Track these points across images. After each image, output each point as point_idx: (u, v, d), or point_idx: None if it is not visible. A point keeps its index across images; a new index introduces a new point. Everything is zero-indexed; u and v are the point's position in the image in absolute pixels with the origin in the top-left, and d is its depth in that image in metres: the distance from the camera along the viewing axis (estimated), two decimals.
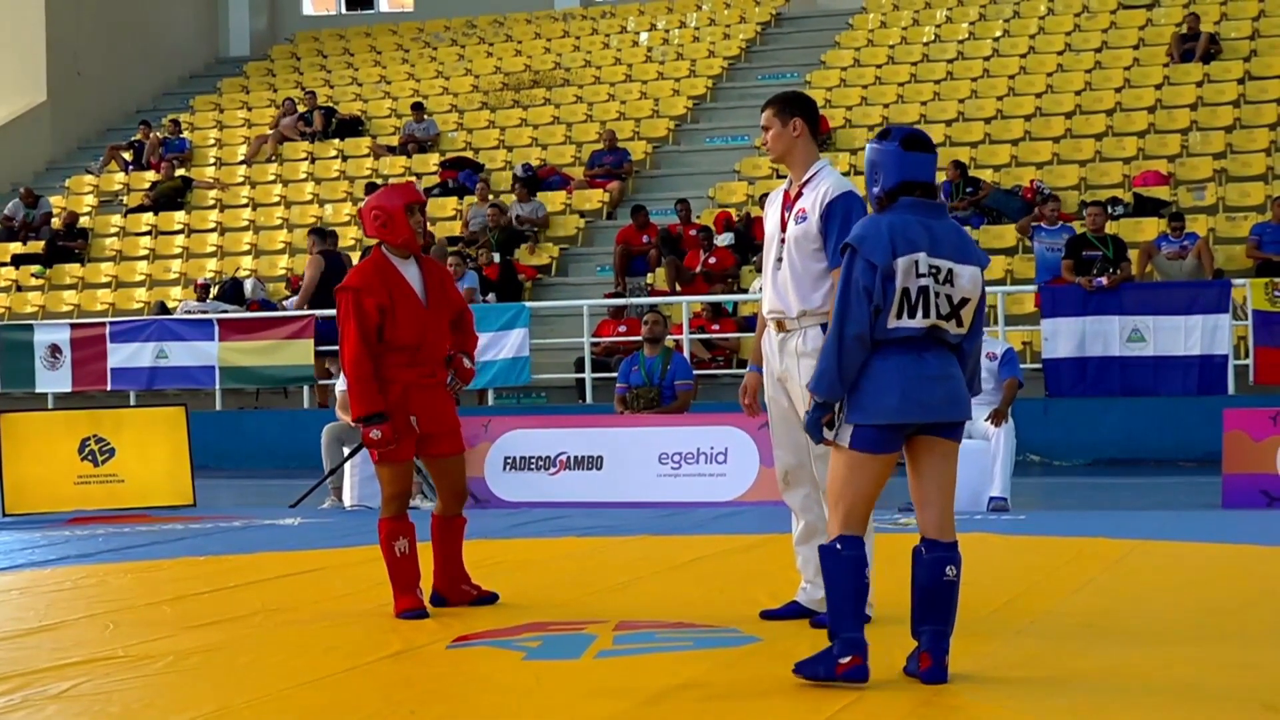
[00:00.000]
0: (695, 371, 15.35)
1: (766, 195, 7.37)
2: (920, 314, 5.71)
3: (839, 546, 5.73)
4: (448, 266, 19.25)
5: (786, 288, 6.93)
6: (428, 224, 7.88)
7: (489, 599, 7.86)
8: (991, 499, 12.14)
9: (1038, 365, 16.89)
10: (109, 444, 13.72)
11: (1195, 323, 16.31)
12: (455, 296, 7.93)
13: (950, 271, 5.77)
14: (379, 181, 25.41)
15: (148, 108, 31.20)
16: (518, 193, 22.92)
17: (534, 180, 23.65)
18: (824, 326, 6.76)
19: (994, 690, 5.67)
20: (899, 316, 5.71)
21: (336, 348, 8.45)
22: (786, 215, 6.99)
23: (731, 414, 13.79)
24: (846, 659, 5.63)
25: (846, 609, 5.69)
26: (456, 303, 7.92)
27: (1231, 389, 16.13)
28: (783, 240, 6.97)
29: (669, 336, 15.24)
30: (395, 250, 7.71)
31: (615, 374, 15.38)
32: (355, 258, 22.27)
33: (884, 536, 7.24)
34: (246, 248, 24.57)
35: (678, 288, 19.71)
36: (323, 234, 20.53)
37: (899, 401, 5.70)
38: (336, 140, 27.08)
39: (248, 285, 22.33)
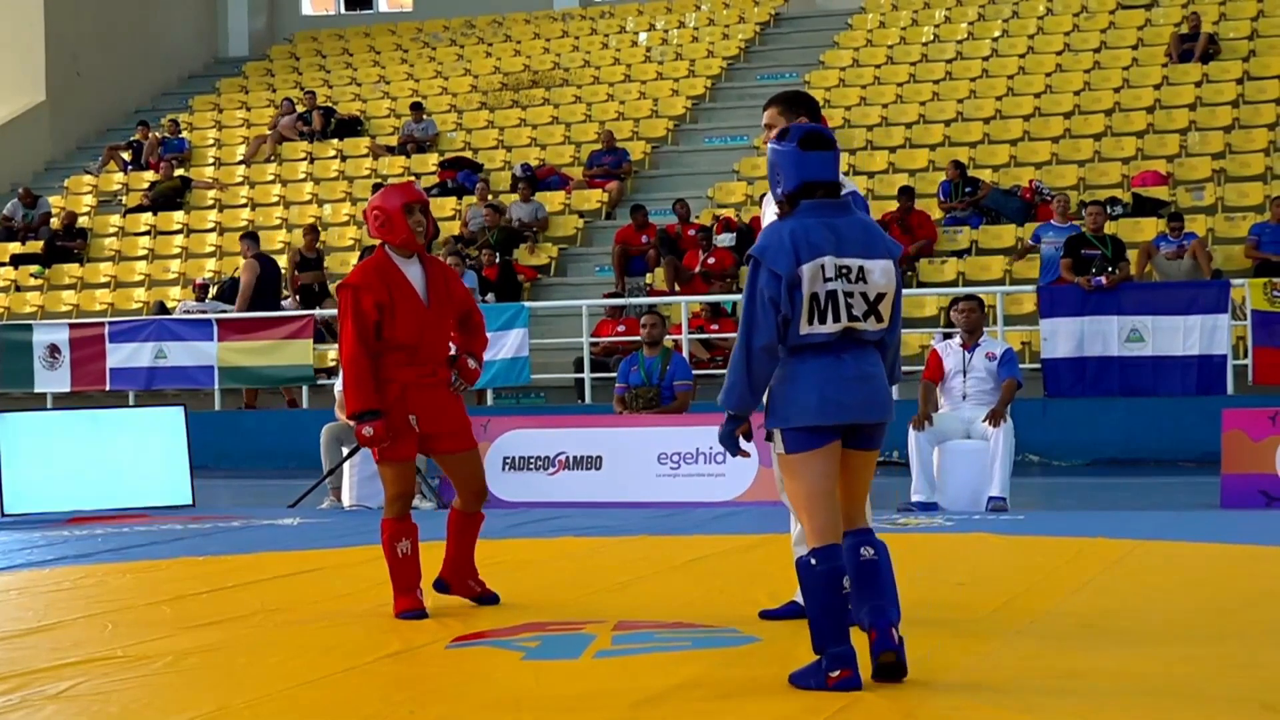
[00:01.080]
0: (694, 372, 15.34)
1: (765, 195, 7.35)
2: (831, 319, 5.67)
3: (813, 561, 5.67)
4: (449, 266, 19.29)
5: None
6: (432, 221, 7.82)
7: (490, 599, 7.85)
8: (990, 499, 12.13)
9: (1036, 365, 16.89)
10: None
11: (1194, 323, 16.31)
12: (461, 296, 7.89)
13: (861, 269, 5.71)
14: (379, 181, 25.43)
15: (147, 108, 31.20)
16: (520, 192, 22.91)
17: (533, 180, 23.66)
18: None
19: (992, 691, 5.67)
20: (810, 323, 5.67)
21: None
22: None
23: None
24: (836, 672, 5.58)
25: (827, 624, 5.62)
26: (462, 302, 7.88)
27: (1230, 389, 16.14)
28: None
29: (668, 337, 15.24)
30: (396, 250, 7.69)
31: (614, 374, 15.38)
32: (353, 259, 22.28)
33: (883, 536, 7.22)
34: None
35: (676, 288, 19.72)
36: (254, 238, 21.03)
37: (818, 403, 5.68)
38: (335, 140, 27.09)
39: None
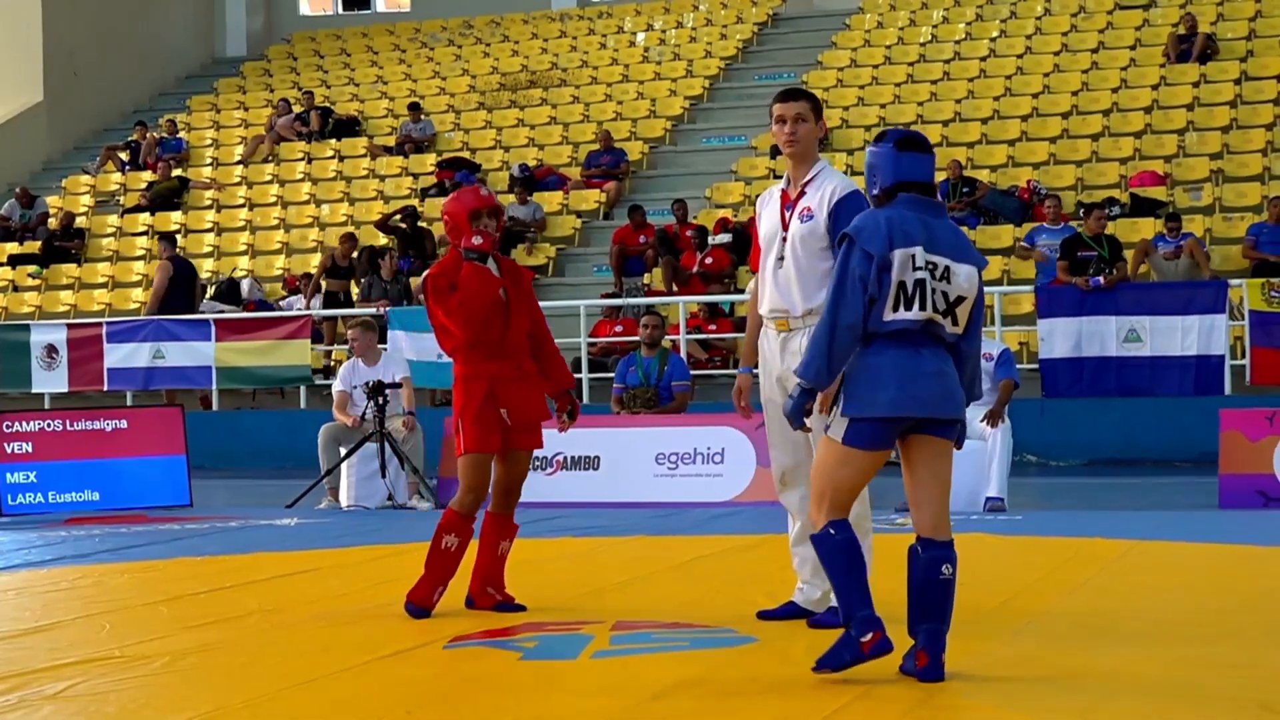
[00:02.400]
0: (692, 372, 15.34)
1: (759, 196, 7.35)
2: (917, 307, 5.72)
3: (831, 531, 5.75)
4: None
5: (790, 286, 6.90)
6: (502, 225, 7.81)
7: (511, 607, 7.67)
8: (988, 499, 12.14)
9: (1034, 365, 16.90)
10: None
11: (1192, 323, 16.31)
12: (534, 304, 7.84)
13: (947, 269, 5.79)
14: (376, 182, 25.45)
15: (144, 108, 31.19)
16: (517, 194, 22.90)
17: (530, 180, 23.66)
18: None
19: (991, 690, 5.67)
20: (895, 309, 5.72)
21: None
22: (788, 214, 6.96)
23: (728, 414, 13.76)
24: (868, 636, 5.63)
25: (854, 589, 5.70)
26: (535, 309, 7.82)
27: (1228, 389, 16.15)
28: (784, 239, 6.95)
29: (666, 337, 15.23)
30: (468, 253, 7.66)
31: (612, 374, 15.38)
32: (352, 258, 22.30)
33: (882, 537, 7.23)
34: (243, 248, 24.57)
35: (674, 288, 19.71)
36: (171, 240, 21.36)
37: (894, 395, 5.70)
38: (333, 140, 27.08)
39: (244, 285, 22.34)
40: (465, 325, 7.51)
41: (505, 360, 7.66)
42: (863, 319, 5.71)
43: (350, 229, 23.94)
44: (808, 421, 5.91)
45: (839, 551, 5.73)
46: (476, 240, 7.50)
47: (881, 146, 5.97)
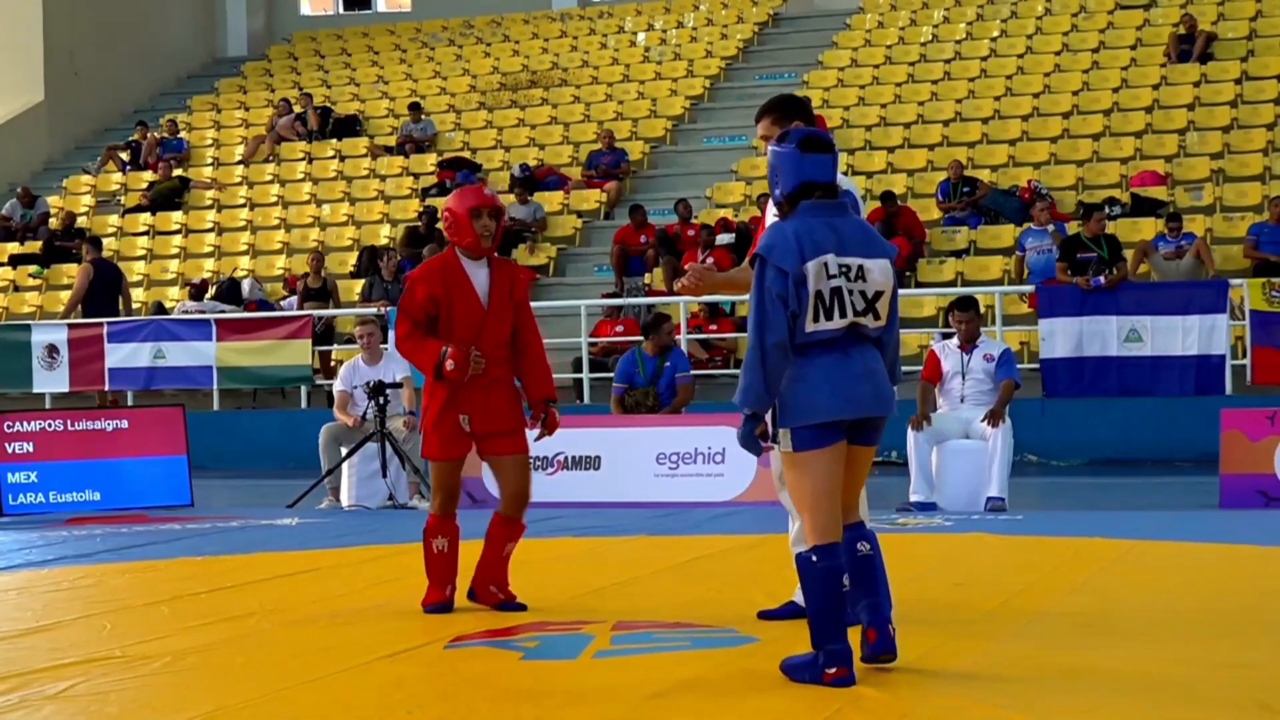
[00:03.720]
0: (693, 372, 15.34)
1: (764, 195, 7.36)
2: (837, 314, 5.77)
3: (814, 558, 5.75)
4: None
5: None
6: (501, 225, 7.76)
7: (513, 607, 7.69)
8: (989, 499, 12.14)
9: (1035, 365, 16.89)
10: None
11: (1192, 323, 16.31)
12: (524, 310, 7.78)
13: (861, 268, 5.81)
14: (377, 182, 25.45)
15: (145, 108, 31.20)
16: (517, 195, 22.89)
17: (531, 180, 23.66)
18: None
19: (991, 689, 5.67)
20: (816, 320, 5.76)
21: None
22: None
23: (729, 414, 13.77)
24: (833, 670, 5.65)
25: (828, 621, 5.70)
26: (520, 314, 7.76)
27: (1229, 389, 16.14)
28: None
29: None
30: (464, 251, 7.67)
31: (612, 374, 15.33)
32: (351, 259, 22.31)
33: (882, 536, 7.22)
34: (244, 248, 24.57)
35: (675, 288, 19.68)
36: (96, 243, 21.36)
37: (828, 400, 5.76)
38: (334, 140, 27.08)
39: (245, 285, 22.34)
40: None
41: None
42: (788, 335, 5.74)
43: (352, 230, 23.97)
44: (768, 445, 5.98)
45: (819, 579, 5.73)
46: (450, 365, 7.48)
47: (784, 147, 5.94)
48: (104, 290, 20.49)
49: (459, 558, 7.75)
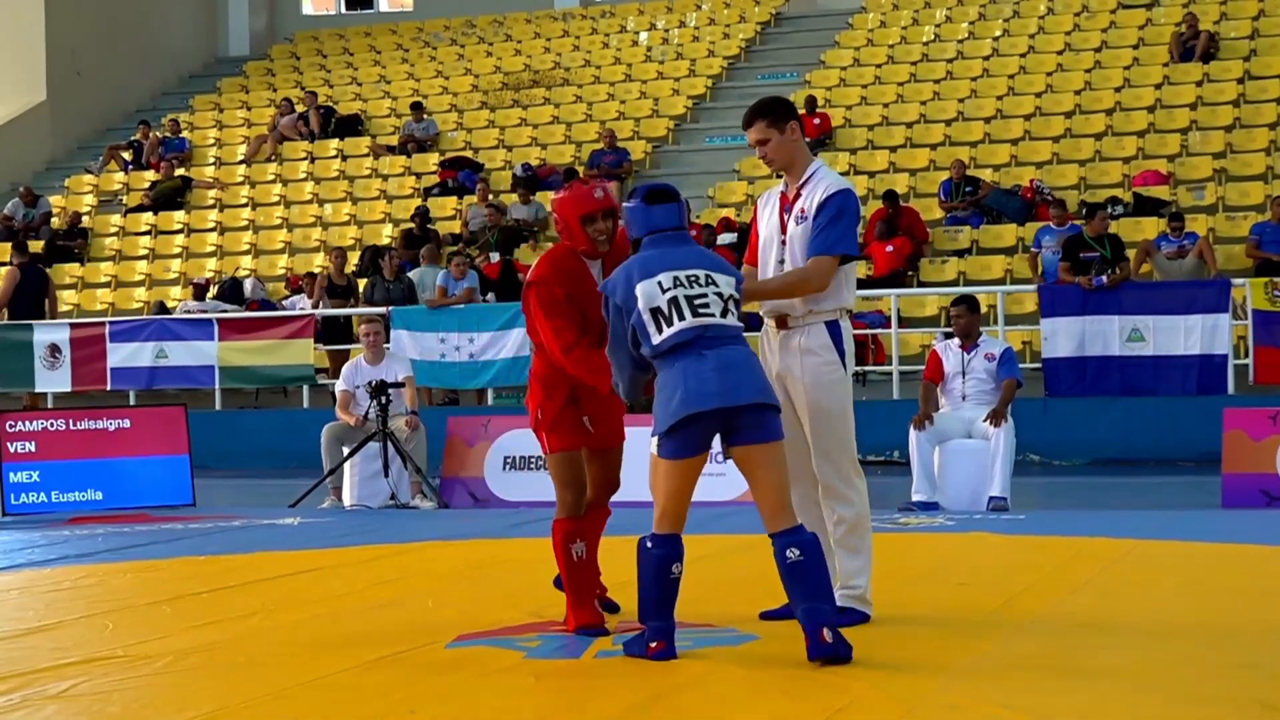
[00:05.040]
0: None
1: (760, 196, 7.34)
2: (677, 319, 6.18)
3: (649, 544, 6.27)
4: (452, 266, 19.28)
5: None
6: (618, 223, 7.04)
7: (607, 605, 7.44)
8: (991, 499, 12.14)
9: (1037, 365, 16.89)
10: None
11: (1195, 322, 16.29)
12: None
13: (708, 275, 6.29)
14: (379, 181, 25.45)
15: (147, 107, 31.21)
16: (520, 195, 22.89)
17: (533, 180, 23.65)
18: (828, 324, 6.93)
19: (993, 689, 5.67)
20: (660, 331, 6.21)
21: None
22: (786, 217, 6.98)
23: None
24: (654, 644, 6.16)
25: (650, 600, 6.22)
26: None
27: (1231, 389, 16.12)
28: (783, 241, 6.97)
29: None
30: (582, 254, 7.11)
31: None
32: (354, 257, 22.30)
33: (884, 536, 7.23)
34: (246, 247, 24.58)
35: None
36: (22, 248, 21.49)
37: (680, 399, 6.12)
38: (336, 140, 27.08)
39: (247, 285, 22.34)
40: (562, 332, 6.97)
41: None
42: (631, 347, 6.32)
43: (354, 230, 23.98)
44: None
45: (651, 564, 6.22)
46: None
47: (632, 202, 6.47)
48: (29, 294, 20.65)
49: (598, 562, 7.33)
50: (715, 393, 6.08)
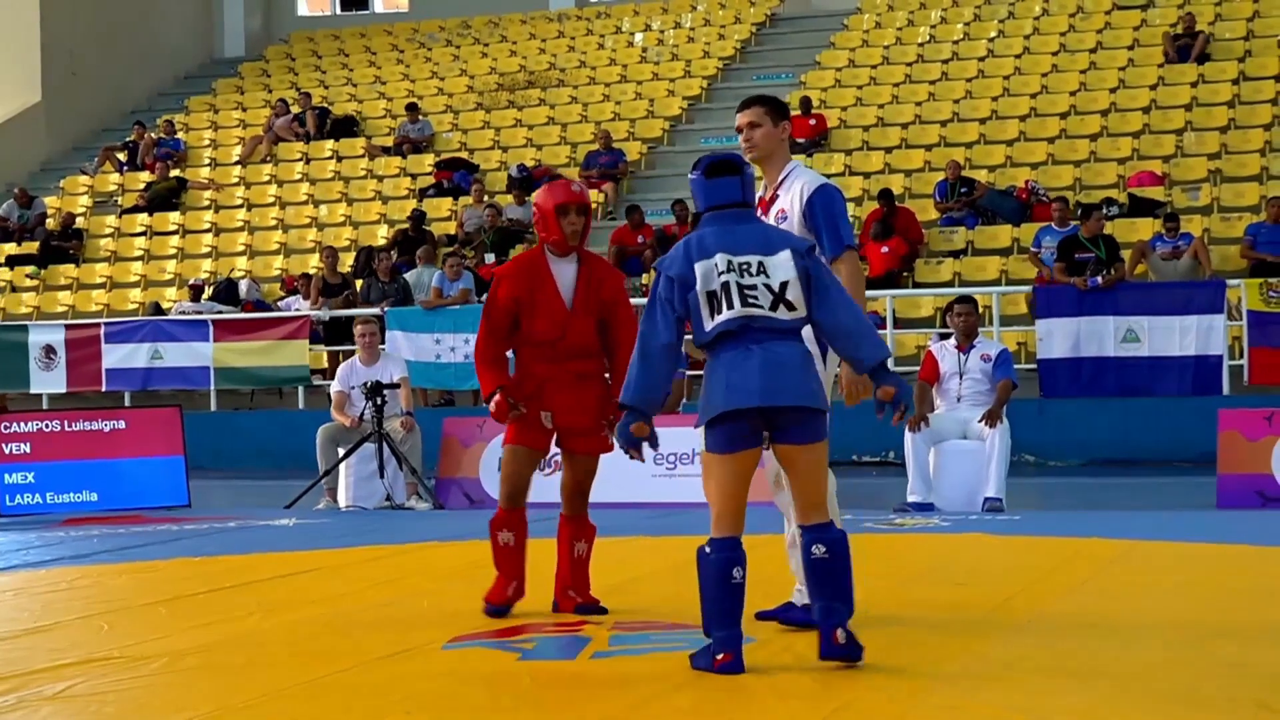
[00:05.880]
0: (688, 372, 15.34)
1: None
2: (726, 308, 5.99)
3: (708, 550, 6.03)
4: (447, 267, 19.28)
5: None
6: (588, 223, 7.60)
7: (591, 609, 7.51)
8: (986, 499, 12.15)
9: (1032, 366, 16.90)
10: None
11: (1190, 323, 16.32)
12: (608, 299, 7.60)
13: (760, 263, 6.04)
14: (374, 182, 25.45)
15: (143, 108, 31.19)
16: (515, 196, 22.89)
17: (529, 181, 23.65)
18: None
19: (990, 689, 5.67)
20: (712, 316, 6.02)
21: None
22: (765, 218, 6.98)
23: None
24: (720, 655, 5.89)
25: (714, 609, 5.96)
26: (604, 306, 7.58)
27: (1226, 389, 16.15)
28: None
29: None
30: (552, 247, 7.55)
31: None
32: (349, 258, 22.30)
33: (879, 537, 7.24)
34: (241, 248, 24.57)
35: None
36: None
37: (724, 393, 5.99)
38: (331, 141, 27.07)
39: (242, 286, 22.34)
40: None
41: (560, 363, 7.53)
42: (675, 338, 6.08)
43: (350, 231, 23.97)
44: (646, 450, 6.25)
45: (712, 571, 5.99)
46: None
47: (694, 175, 6.31)
48: None
49: (526, 555, 7.65)
50: (757, 391, 5.92)
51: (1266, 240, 18.34)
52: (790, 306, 6.00)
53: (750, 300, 5.98)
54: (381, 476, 13.63)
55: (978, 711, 5.38)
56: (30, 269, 24.71)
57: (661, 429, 14.50)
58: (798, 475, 6.09)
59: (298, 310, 20.25)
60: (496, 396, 7.48)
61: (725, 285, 5.98)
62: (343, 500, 13.93)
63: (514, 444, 7.59)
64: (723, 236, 6.08)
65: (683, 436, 13.60)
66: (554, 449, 7.73)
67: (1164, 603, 7.65)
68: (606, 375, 7.68)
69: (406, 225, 22.34)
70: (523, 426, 7.54)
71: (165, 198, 26.16)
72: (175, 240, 25.19)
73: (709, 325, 6.00)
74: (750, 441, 6.01)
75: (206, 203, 26.28)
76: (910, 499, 12.29)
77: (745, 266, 6.01)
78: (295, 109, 27.85)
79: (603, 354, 7.65)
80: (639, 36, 29.69)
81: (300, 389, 19.40)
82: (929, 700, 5.56)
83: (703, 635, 6.07)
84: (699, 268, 6.01)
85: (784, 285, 6.00)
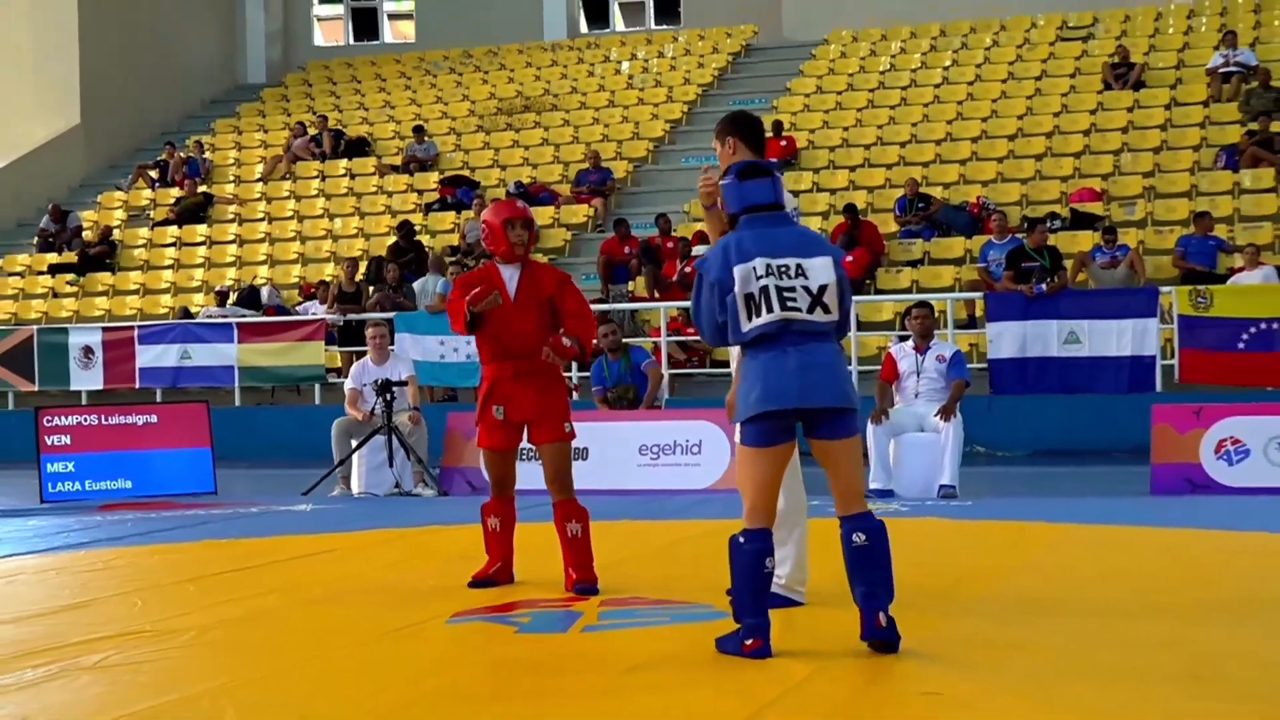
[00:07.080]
0: (671, 371, 15.36)
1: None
2: (765, 310, 5.78)
3: (741, 540, 5.83)
4: (451, 275, 19.24)
5: None
6: (533, 235, 7.94)
7: (585, 589, 7.43)
8: (941, 487, 12.15)
9: (983, 365, 16.90)
10: None
11: (1126, 326, 16.33)
12: (546, 289, 7.71)
13: (799, 266, 5.83)
14: (384, 198, 25.41)
15: (172, 130, 31.10)
16: None
17: (525, 197, 23.61)
18: None
19: (943, 663, 5.67)
20: (750, 319, 5.80)
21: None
22: None
23: (705, 409, 13.81)
24: (749, 641, 5.70)
25: (746, 597, 5.76)
26: (543, 291, 7.70)
27: (1159, 386, 16.17)
28: None
29: (648, 339, 15.19)
30: (501, 259, 7.80)
31: None
32: (363, 267, 22.26)
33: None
34: (263, 258, 24.52)
35: (656, 294, 19.71)
36: None
37: (760, 394, 5.79)
38: (345, 160, 27.02)
39: (264, 292, 22.32)
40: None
41: (506, 361, 7.66)
42: (719, 334, 5.90)
43: (362, 242, 23.93)
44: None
45: (744, 561, 5.79)
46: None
47: (728, 179, 6.03)
48: None
49: (513, 538, 7.87)
50: (794, 392, 5.75)
51: (1196, 251, 18.38)
52: (826, 309, 5.83)
53: (789, 303, 5.78)
54: (391, 466, 13.61)
55: (931, 683, 5.38)
56: (70, 276, 24.65)
57: (645, 423, 14.59)
58: (836, 468, 5.89)
59: (314, 314, 20.21)
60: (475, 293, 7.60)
61: (764, 289, 5.77)
62: (355, 488, 13.91)
63: (483, 448, 7.84)
64: (761, 239, 5.84)
65: (666, 429, 13.62)
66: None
67: (1103, 582, 7.65)
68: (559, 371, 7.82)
69: (397, 237, 22.20)
70: (486, 431, 7.72)
71: (193, 211, 26.10)
72: (202, 250, 25.13)
73: (746, 327, 5.80)
74: (784, 436, 5.86)
75: (231, 216, 26.22)
76: (872, 486, 12.28)
77: (784, 269, 5.79)
78: (312, 131, 27.80)
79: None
80: (626, 65, 29.66)
81: (317, 386, 19.36)
82: (888, 671, 5.56)
83: (689, 610, 6.05)
84: (738, 271, 5.78)
85: (822, 289, 5.82)
